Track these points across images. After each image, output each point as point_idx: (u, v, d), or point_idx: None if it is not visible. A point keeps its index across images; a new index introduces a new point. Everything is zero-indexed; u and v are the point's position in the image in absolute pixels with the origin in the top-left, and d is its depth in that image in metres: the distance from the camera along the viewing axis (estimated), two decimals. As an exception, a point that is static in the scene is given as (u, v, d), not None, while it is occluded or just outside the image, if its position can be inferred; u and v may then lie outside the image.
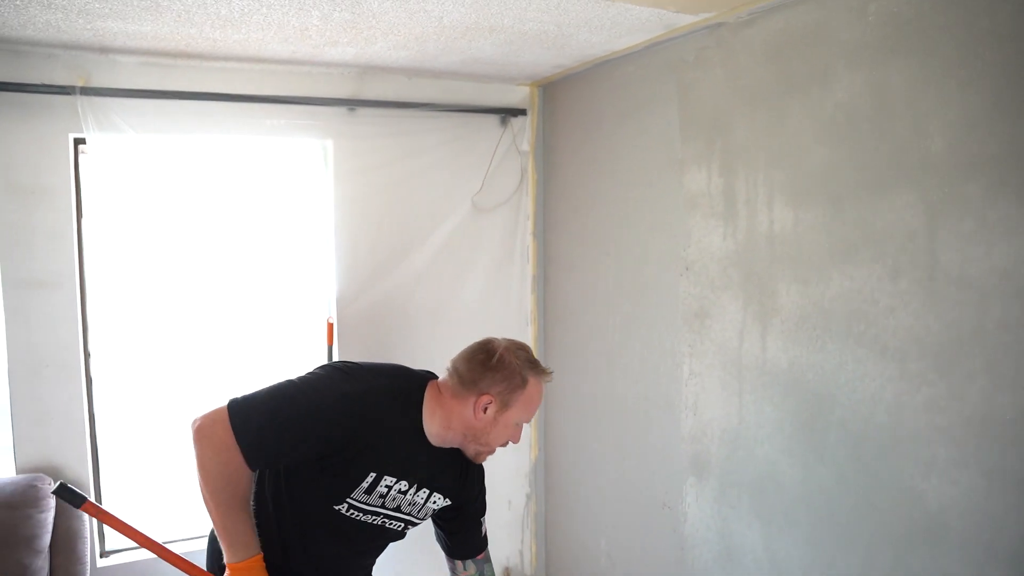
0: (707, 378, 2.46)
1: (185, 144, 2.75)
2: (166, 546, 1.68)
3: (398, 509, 1.74)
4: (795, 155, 2.09)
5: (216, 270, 2.81)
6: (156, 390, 2.82)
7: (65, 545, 2.44)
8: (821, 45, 2.00)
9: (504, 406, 1.67)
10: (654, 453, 2.71)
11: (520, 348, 1.72)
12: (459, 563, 1.92)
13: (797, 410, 2.13)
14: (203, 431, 1.53)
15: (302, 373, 1.70)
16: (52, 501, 2.43)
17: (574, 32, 2.40)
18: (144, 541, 1.66)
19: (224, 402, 1.57)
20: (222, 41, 2.37)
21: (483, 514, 1.93)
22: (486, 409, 1.66)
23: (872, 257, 1.89)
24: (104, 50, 2.49)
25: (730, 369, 2.36)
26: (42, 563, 2.35)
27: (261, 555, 1.61)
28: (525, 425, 1.79)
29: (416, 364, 1.87)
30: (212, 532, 1.82)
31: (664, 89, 2.58)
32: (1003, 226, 1.61)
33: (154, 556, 1.67)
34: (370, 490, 1.67)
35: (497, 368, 1.66)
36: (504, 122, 3.17)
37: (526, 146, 3.23)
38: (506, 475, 3.32)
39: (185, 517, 2.86)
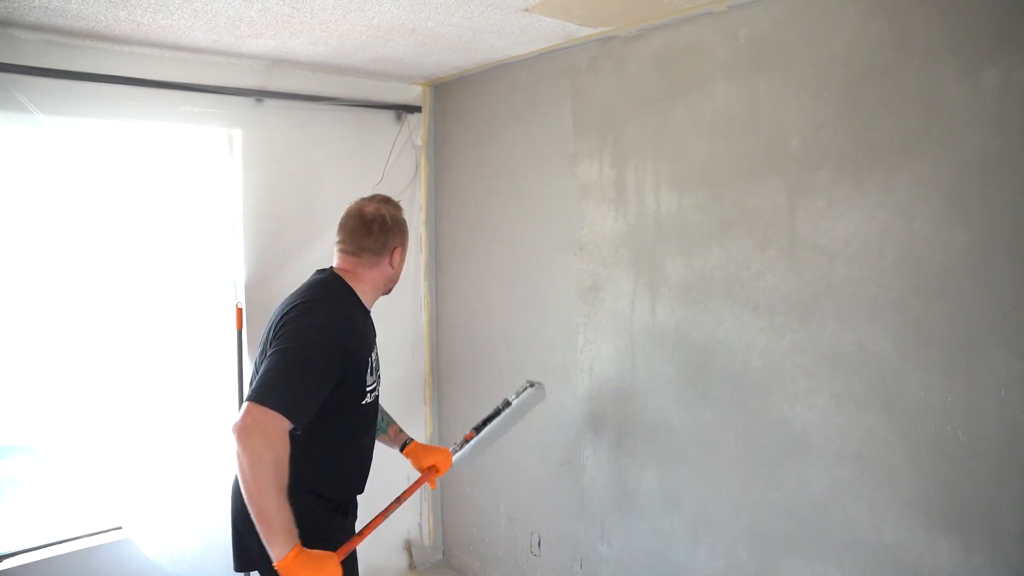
0: (601, 344, 2.86)
1: (91, 128, 2.71)
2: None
3: (379, 370, 2.17)
4: (679, 150, 2.55)
5: (117, 258, 2.79)
6: (61, 382, 2.74)
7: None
8: (701, 59, 2.46)
9: (403, 248, 2.13)
10: (553, 417, 3.07)
11: (382, 199, 2.12)
12: None
13: (684, 363, 2.58)
14: (246, 428, 1.68)
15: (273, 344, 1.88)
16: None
17: (485, 37, 2.71)
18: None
19: (251, 398, 1.73)
20: (146, 25, 2.42)
21: None
22: (396, 258, 2.09)
23: (745, 232, 2.37)
24: (4, 23, 2.43)
25: (623, 334, 2.78)
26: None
27: (298, 541, 1.72)
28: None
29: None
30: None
31: (557, 92, 2.96)
32: (845, 204, 2.13)
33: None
34: (372, 371, 2.06)
35: (393, 225, 2.08)
36: (400, 118, 3.41)
37: (419, 141, 3.49)
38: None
39: (90, 509, 2.81)
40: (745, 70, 2.35)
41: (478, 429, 2.58)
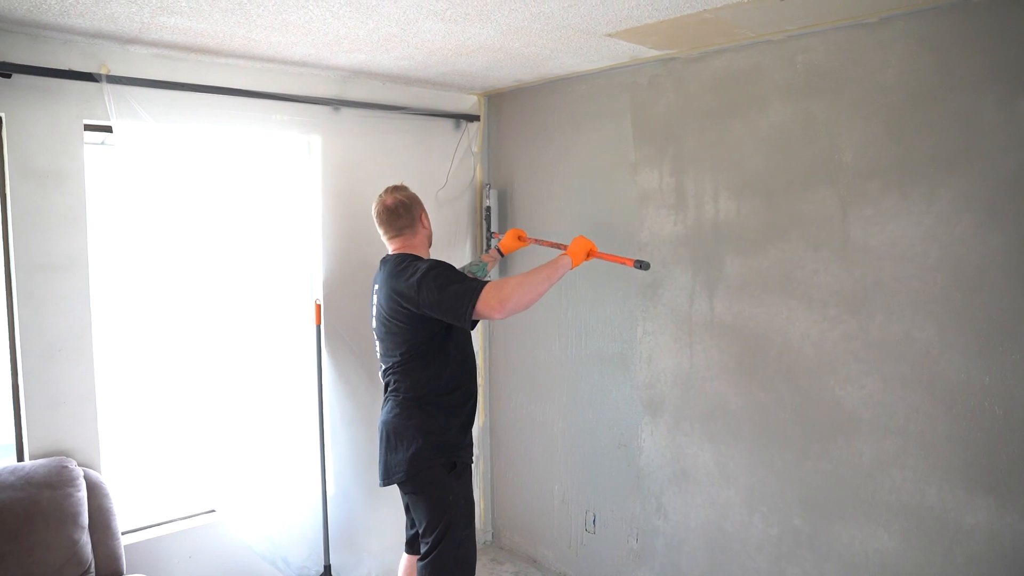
0: (659, 335, 3.22)
1: (191, 135, 2.99)
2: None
3: None
4: (737, 161, 2.92)
5: (213, 256, 3.07)
6: (157, 374, 3.01)
7: (101, 522, 2.60)
8: (758, 81, 2.83)
9: (424, 211, 2.84)
10: (611, 402, 3.42)
11: (391, 190, 2.80)
12: None
13: (741, 352, 2.95)
14: (497, 305, 2.41)
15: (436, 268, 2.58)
16: (83, 481, 2.58)
17: (560, 56, 3.05)
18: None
19: (469, 313, 2.43)
20: (259, 42, 2.71)
21: None
22: (426, 220, 2.83)
23: (799, 235, 2.75)
24: (121, 40, 2.69)
25: (681, 326, 3.14)
26: (87, 539, 2.52)
27: (560, 254, 2.74)
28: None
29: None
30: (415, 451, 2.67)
31: (617, 104, 3.31)
32: (893, 211, 2.52)
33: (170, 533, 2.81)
34: None
35: (411, 200, 2.79)
36: (459, 126, 3.73)
37: (476, 148, 3.81)
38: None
39: (187, 493, 3.08)
40: (800, 92, 2.72)
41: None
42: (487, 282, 2.47)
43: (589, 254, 2.74)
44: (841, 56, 2.62)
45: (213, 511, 3.14)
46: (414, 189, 3.52)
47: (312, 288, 3.36)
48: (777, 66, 2.78)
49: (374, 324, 2.80)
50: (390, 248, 2.81)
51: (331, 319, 3.35)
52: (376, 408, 3.46)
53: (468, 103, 3.79)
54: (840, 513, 2.69)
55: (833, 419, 2.70)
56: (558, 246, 2.97)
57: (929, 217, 2.44)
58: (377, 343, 2.82)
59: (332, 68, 3.17)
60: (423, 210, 2.82)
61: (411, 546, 2.92)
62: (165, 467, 3.07)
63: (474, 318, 2.43)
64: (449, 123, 3.71)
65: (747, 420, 2.94)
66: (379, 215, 2.77)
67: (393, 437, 2.69)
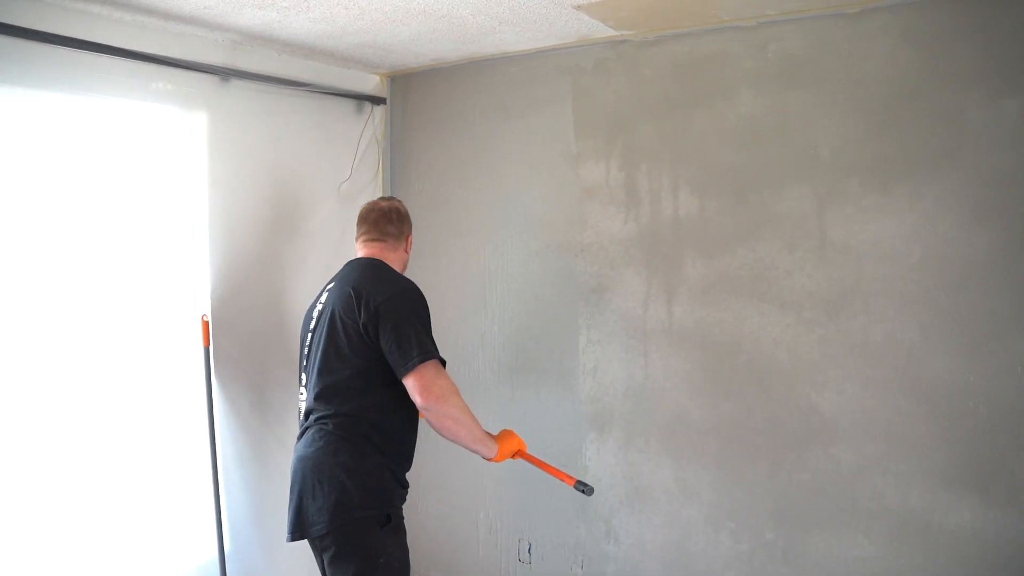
0: (607, 345, 2.97)
1: (41, 105, 2.25)
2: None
3: None
4: (701, 155, 2.74)
5: (63, 266, 2.36)
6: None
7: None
8: (725, 69, 2.67)
9: (411, 237, 2.52)
10: (549, 420, 3.12)
11: (391, 198, 2.56)
12: None
13: (704, 360, 2.78)
14: (437, 395, 2.08)
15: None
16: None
17: (500, 30, 2.69)
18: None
19: (412, 366, 2.08)
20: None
21: None
22: (410, 244, 2.51)
23: (773, 234, 2.63)
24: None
25: (634, 334, 2.91)
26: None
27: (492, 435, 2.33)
28: None
29: (291, 363, 2.59)
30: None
31: (556, 91, 3.01)
32: (874, 210, 2.46)
33: None
34: None
35: (406, 215, 2.50)
36: (362, 109, 3.23)
37: (381, 135, 3.33)
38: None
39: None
40: (773, 83, 2.59)
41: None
42: (442, 360, 2.18)
43: (516, 454, 2.44)
44: (818, 46, 2.52)
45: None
46: (317, 181, 3.05)
47: (197, 301, 2.71)
48: (746, 54, 2.64)
49: (311, 335, 2.29)
50: (360, 252, 2.43)
51: (222, 339, 2.73)
52: (274, 445, 2.89)
53: (370, 83, 3.30)
54: (817, 523, 2.60)
55: (809, 427, 2.60)
56: (562, 477, 2.47)
57: (912, 216, 2.40)
58: (306, 358, 2.29)
59: (226, 29, 2.57)
60: (411, 233, 2.53)
61: None
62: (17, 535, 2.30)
63: (405, 380, 2.11)
64: (351, 105, 3.20)
65: (712, 432, 2.78)
66: (367, 213, 2.45)
67: (312, 477, 2.13)
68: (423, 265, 3.43)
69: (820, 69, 2.53)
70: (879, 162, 2.45)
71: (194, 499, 2.69)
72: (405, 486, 2.30)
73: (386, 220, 2.41)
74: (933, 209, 2.38)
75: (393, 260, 2.39)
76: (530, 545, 3.22)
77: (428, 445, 3.50)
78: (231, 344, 2.76)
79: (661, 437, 2.89)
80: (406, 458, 2.32)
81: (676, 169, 2.79)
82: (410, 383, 2.09)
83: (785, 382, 2.64)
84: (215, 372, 2.70)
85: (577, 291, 3.03)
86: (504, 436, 2.39)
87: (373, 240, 2.40)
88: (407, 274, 2.43)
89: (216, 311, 2.72)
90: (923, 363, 2.42)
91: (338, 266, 3.07)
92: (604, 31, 2.73)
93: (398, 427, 2.26)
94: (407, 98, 3.42)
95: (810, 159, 2.55)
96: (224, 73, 2.67)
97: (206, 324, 2.67)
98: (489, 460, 2.32)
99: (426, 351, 2.10)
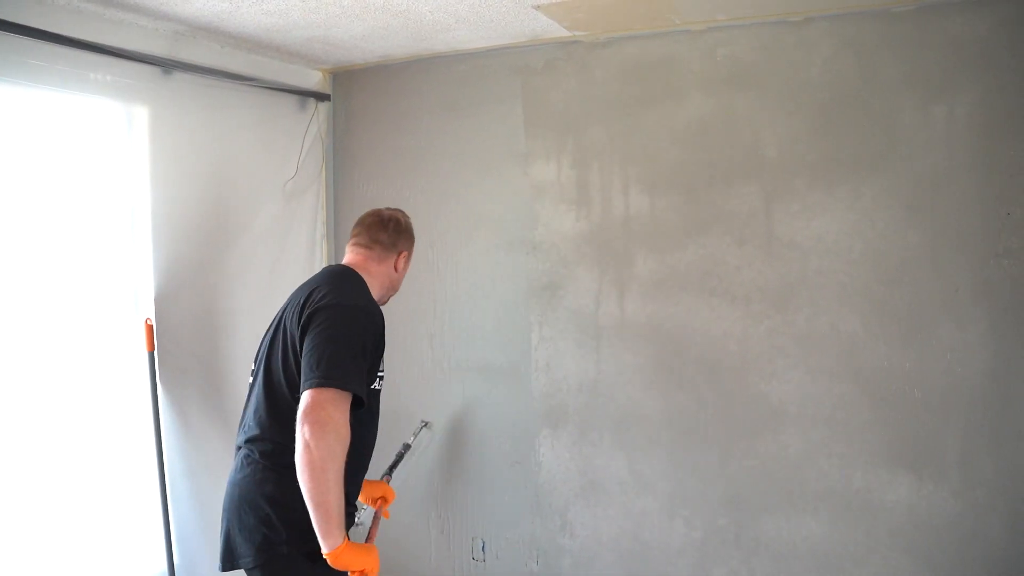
0: (559, 341, 3.01)
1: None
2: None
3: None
4: (651, 154, 2.82)
5: None
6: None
7: None
8: (676, 72, 2.76)
9: (409, 257, 2.30)
10: (502, 418, 3.13)
11: (398, 210, 2.32)
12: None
13: (656, 354, 2.86)
14: (320, 421, 1.75)
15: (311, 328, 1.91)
16: None
17: (457, 27, 2.68)
18: None
19: (313, 384, 1.79)
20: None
21: None
22: (402, 262, 2.26)
23: (722, 231, 2.73)
24: None
25: (586, 330, 2.96)
26: None
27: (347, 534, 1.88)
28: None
29: (240, 367, 2.36)
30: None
31: (505, 90, 3.03)
32: (819, 207, 2.60)
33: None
34: (382, 356, 2.10)
35: (406, 229, 2.28)
36: (305, 106, 3.14)
37: (324, 133, 3.25)
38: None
39: None
40: (721, 86, 2.70)
41: (389, 474, 2.86)
42: (361, 400, 1.89)
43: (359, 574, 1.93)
44: (764, 51, 2.64)
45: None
46: (262, 178, 2.96)
47: (139, 304, 2.57)
48: (695, 57, 2.73)
49: (260, 343, 2.14)
50: (345, 258, 2.22)
51: (167, 342, 2.60)
52: (224, 454, 2.76)
53: (312, 79, 3.21)
54: (767, 507, 2.73)
55: (759, 415, 2.72)
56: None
57: (853, 213, 2.56)
58: (252, 375, 2.13)
59: (170, 19, 2.45)
60: (408, 252, 2.28)
61: None
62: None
63: (300, 395, 1.82)
64: (294, 101, 3.11)
65: (665, 424, 2.86)
66: (364, 217, 2.26)
67: (239, 506, 1.97)
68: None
69: (766, 73, 2.65)
70: (822, 162, 2.59)
71: (142, 511, 2.56)
72: (348, 513, 2.02)
73: (380, 227, 2.22)
74: (871, 207, 2.54)
75: (376, 273, 2.18)
76: (484, 544, 3.23)
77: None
78: (177, 348, 2.63)
79: (615, 430, 2.95)
80: (348, 485, 1.95)
81: (627, 168, 2.86)
82: (302, 401, 1.79)
83: (735, 373, 2.75)
84: (160, 378, 2.58)
85: (529, 289, 3.05)
86: (362, 548, 1.90)
87: (361, 246, 2.20)
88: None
89: (160, 313, 2.59)
90: (863, 352, 2.57)
91: (286, 265, 3.00)
92: (557, 31, 2.77)
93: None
94: (351, 95, 3.35)
95: (758, 159, 2.67)
96: (166, 65, 2.55)
97: (150, 327, 2.54)
98: (325, 552, 1.80)
99: (336, 378, 1.81)
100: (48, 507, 2.30)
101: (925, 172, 2.47)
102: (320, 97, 3.19)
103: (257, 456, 1.96)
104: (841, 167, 2.57)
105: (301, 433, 1.75)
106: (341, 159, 3.40)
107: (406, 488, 3.35)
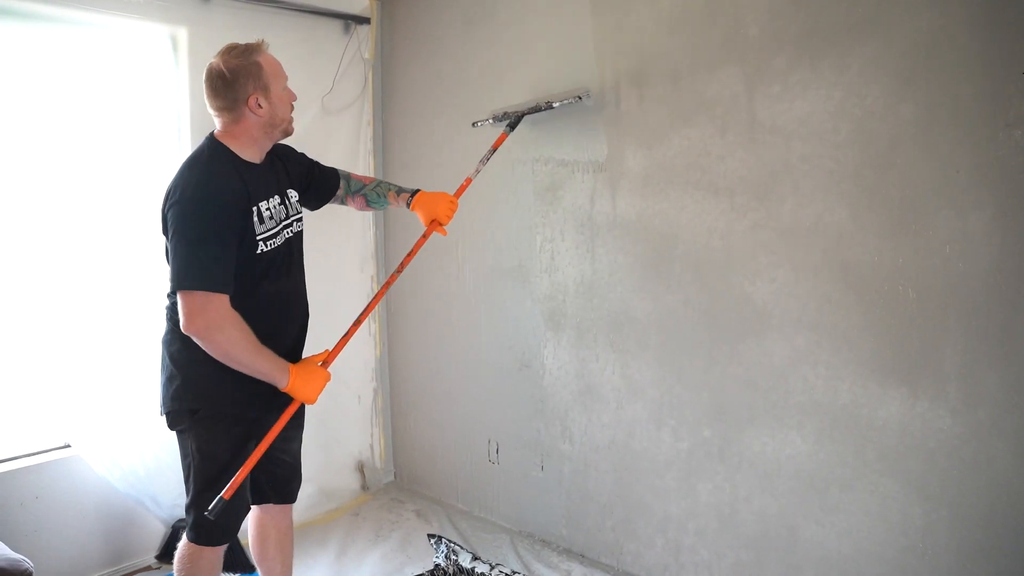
0: (559, 242, 3.00)
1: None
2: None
3: (286, 216, 2.18)
4: (639, 47, 2.68)
5: (50, 191, 2.68)
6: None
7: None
8: (658, -47, 2.60)
9: (265, 90, 2.05)
10: (511, 321, 3.20)
11: (229, 49, 2.06)
12: (338, 193, 2.49)
13: (646, 253, 2.75)
14: (199, 329, 1.88)
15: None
16: None
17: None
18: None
19: (174, 289, 1.91)
20: None
21: (314, 162, 2.45)
22: (259, 103, 2.04)
23: (705, 120, 2.55)
24: None
25: (582, 230, 2.92)
26: None
27: (289, 364, 2.07)
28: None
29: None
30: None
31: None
32: (800, 87, 2.33)
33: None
34: (261, 219, 2.07)
35: (234, 79, 2.01)
36: (348, 29, 3.40)
37: (367, 54, 3.49)
38: (354, 372, 3.57)
39: (36, 427, 2.74)
40: (704, -40, 2.50)
41: (512, 127, 2.80)
42: (221, 282, 1.91)
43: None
44: (744, -85, 2.40)
45: (68, 446, 2.80)
46: (298, 94, 3.21)
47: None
48: (678, -67, 2.55)
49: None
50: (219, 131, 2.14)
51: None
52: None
53: (360, 4, 3.45)
54: (751, 419, 2.53)
55: (743, 318, 2.52)
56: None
57: (839, 90, 2.26)
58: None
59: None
60: (259, 90, 2.03)
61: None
62: (12, 400, 2.70)
63: (183, 313, 1.90)
64: (338, 25, 3.38)
65: (654, 327, 2.74)
66: (208, 88, 2.07)
67: (161, 357, 2.15)
68: (399, 176, 3.57)
69: (748, -60, 2.41)
70: (805, 34, 2.32)
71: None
72: (225, 391, 2.06)
73: (211, 92, 2.04)
74: (858, 81, 2.23)
75: (239, 133, 2.06)
76: (498, 446, 3.31)
77: (406, 356, 3.68)
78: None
79: (608, 332, 2.88)
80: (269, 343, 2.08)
81: (617, 62, 2.75)
82: (178, 308, 1.91)
83: (720, 272, 2.57)
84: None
85: (532, 189, 3.07)
86: (311, 374, 2.08)
87: (214, 115, 2.08)
88: (343, 208, 2.46)
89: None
90: (852, 246, 2.28)
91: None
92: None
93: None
94: (394, 17, 3.55)
95: (740, 39, 2.45)
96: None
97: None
98: (282, 388, 2.04)
99: (182, 278, 1.89)
100: (93, 373, 2.80)
101: (919, 36, 2.11)
102: (359, 20, 3.42)
103: (168, 315, 2.13)
104: (825, 39, 2.28)
105: (195, 338, 1.90)
106: (389, 77, 3.62)
107: (436, 390, 3.54)
